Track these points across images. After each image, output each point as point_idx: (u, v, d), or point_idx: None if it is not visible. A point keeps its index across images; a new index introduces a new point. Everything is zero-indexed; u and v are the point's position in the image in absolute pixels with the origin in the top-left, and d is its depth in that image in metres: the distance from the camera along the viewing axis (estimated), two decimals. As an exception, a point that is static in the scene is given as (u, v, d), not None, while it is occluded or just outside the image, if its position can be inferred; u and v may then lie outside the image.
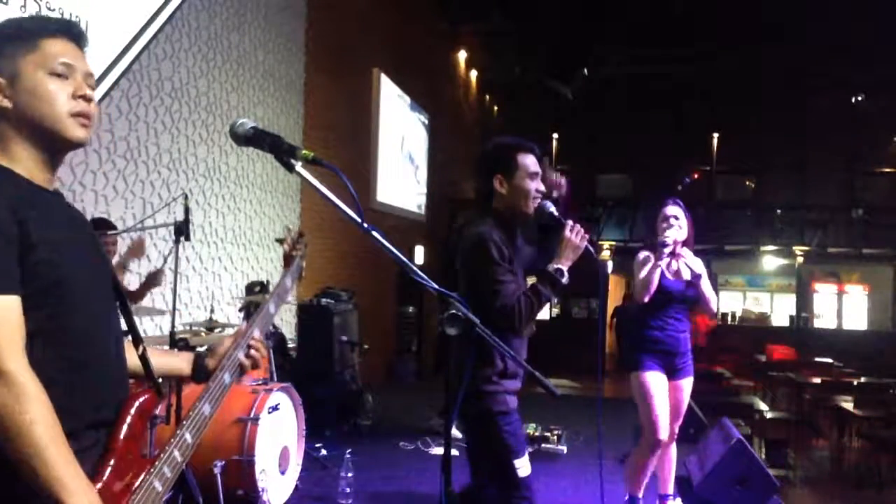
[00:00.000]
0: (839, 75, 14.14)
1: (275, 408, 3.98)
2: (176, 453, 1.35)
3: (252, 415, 3.75)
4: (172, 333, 3.51)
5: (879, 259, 15.61)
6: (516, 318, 2.44)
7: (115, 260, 4.22)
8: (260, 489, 3.72)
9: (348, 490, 4.20)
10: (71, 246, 1.31)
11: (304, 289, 7.27)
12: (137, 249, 4.10)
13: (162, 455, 1.33)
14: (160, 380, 1.55)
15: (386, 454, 5.50)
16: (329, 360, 6.24)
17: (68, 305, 1.27)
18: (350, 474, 4.23)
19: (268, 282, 6.04)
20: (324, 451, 5.07)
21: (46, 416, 1.14)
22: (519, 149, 2.61)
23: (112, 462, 1.28)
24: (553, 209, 2.60)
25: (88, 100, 1.33)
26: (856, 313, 16.89)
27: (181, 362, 1.61)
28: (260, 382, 4.26)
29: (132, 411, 1.36)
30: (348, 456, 4.28)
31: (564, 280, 2.52)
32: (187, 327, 4.47)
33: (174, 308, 3.51)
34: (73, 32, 1.36)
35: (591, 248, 2.56)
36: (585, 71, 13.37)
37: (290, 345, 6.40)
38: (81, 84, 1.33)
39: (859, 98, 15.72)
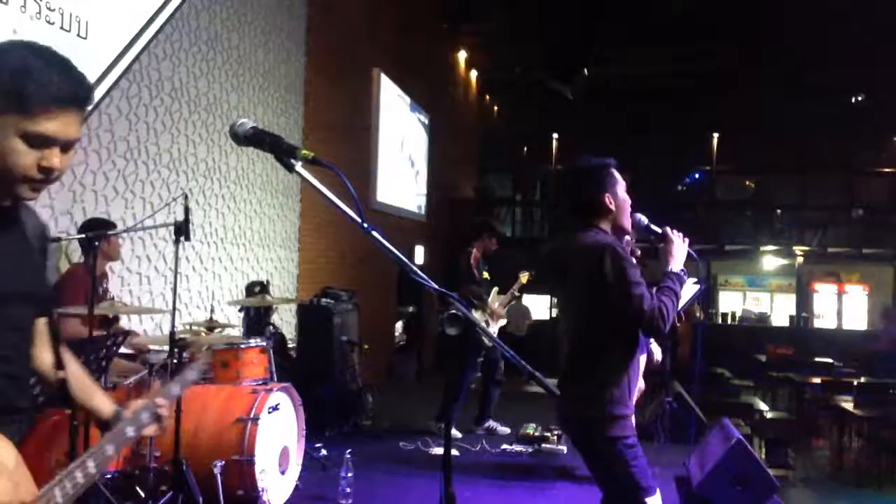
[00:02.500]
0: (839, 75, 14.13)
1: (275, 408, 3.98)
2: (77, 474, 1.34)
3: (252, 415, 3.75)
4: (172, 333, 3.51)
5: (879, 259, 15.60)
6: (664, 319, 2.36)
7: (109, 264, 4.21)
8: (260, 489, 3.72)
9: (348, 490, 4.20)
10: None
11: (304, 289, 7.27)
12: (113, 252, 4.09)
13: (66, 471, 1.33)
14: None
15: (386, 454, 5.50)
16: (329, 360, 6.23)
17: None
18: (350, 474, 4.23)
19: (268, 282, 6.05)
20: (324, 451, 5.07)
21: None
22: (610, 165, 2.63)
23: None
24: (647, 221, 2.66)
25: (51, 171, 1.30)
26: (856, 313, 16.88)
27: (100, 402, 1.59)
28: (260, 382, 4.26)
29: (47, 427, 1.36)
30: (348, 456, 4.28)
31: (686, 278, 2.57)
32: (187, 327, 4.47)
33: (174, 308, 3.50)
34: (80, 100, 1.31)
35: (693, 252, 2.63)
36: (585, 71, 13.37)
37: (291, 345, 6.41)
38: (51, 155, 1.29)
39: (859, 98, 15.72)
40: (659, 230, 2.63)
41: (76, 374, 1.58)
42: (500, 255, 6.55)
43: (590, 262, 2.42)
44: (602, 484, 2.48)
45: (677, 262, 2.55)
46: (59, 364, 1.48)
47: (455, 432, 5.98)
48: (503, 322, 6.53)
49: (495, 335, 5.76)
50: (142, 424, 1.55)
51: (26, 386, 1.43)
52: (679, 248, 2.58)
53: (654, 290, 2.45)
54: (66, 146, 1.32)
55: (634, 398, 2.51)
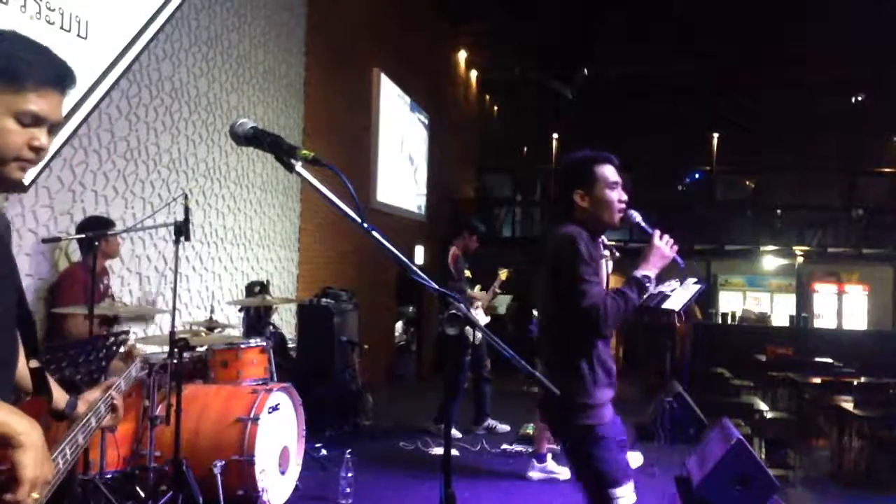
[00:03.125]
0: (839, 75, 14.13)
1: (275, 408, 3.98)
2: (59, 461, 1.35)
3: (252, 415, 3.75)
4: (172, 333, 3.51)
5: (879, 259, 15.59)
6: (601, 320, 2.35)
7: (108, 262, 4.21)
8: (260, 489, 3.72)
9: (348, 490, 4.20)
10: None
11: (304, 289, 7.27)
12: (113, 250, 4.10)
13: (57, 448, 1.36)
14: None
15: (386, 454, 5.50)
16: (329, 360, 6.24)
17: None
18: (350, 474, 4.23)
19: (268, 282, 6.04)
20: (324, 451, 5.08)
21: None
22: (596, 160, 2.61)
23: None
24: (639, 219, 2.61)
25: (39, 150, 1.33)
26: (856, 313, 16.89)
27: (57, 396, 1.60)
28: (260, 382, 4.26)
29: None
30: (348, 456, 4.29)
31: (650, 287, 2.49)
32: (187, 327, 4.47)
33: (174, 308, 3.51)
34: (65, 83, 1.36)
35: (679, 259, 2.56)
36: (585, 71, 13.37)
37: (290, 345, 6.40)
38: (39, 135, 1.32)
39: (859, 98, 15.72)
40: (649, 231, 2.57)
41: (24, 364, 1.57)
42: (499, 256, 6.58)
43: (551, 253, 2.51)
44: (575, 471, 2.52)
45: (648, 268, 2.49)
46: (33, 353, 1.49)
47: (454, 432, 5.98)
48: (487, 319, 6.62)
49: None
50: (101, 416, 1.62)
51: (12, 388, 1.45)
52: (656, 256, 2.51)
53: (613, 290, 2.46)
54: (52, 128, 1.35)
55: (607, 388, 2.49)
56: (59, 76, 1.35)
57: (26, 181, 1.38)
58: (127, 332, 3.90)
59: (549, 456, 4.98)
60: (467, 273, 6.26)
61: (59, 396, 1.60)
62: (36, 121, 1.31)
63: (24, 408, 1.34)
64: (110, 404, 1.67)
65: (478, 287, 6.37)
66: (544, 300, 2.62)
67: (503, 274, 6.50)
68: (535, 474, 5.00)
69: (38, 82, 1.31)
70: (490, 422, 6.27)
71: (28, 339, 1.48)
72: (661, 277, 3.73)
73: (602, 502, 2.38)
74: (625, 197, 2.60)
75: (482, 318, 6.37)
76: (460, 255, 6.23)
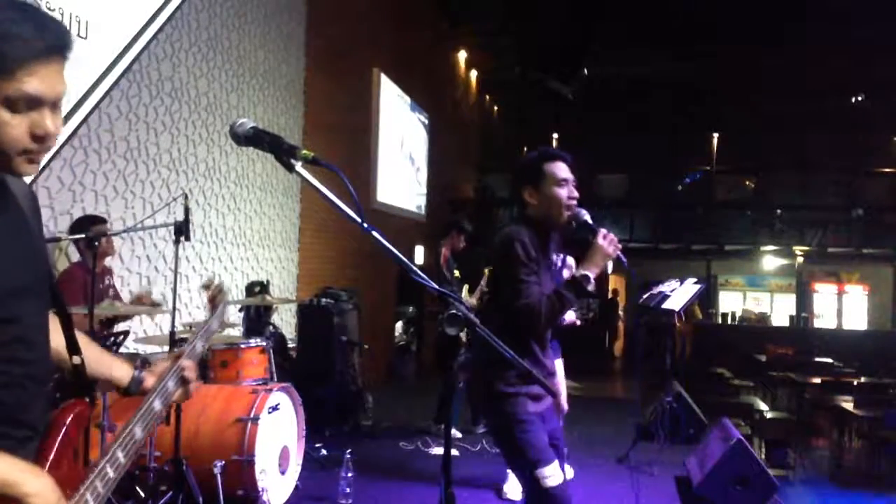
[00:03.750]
0: (839, 75, 14.13)
1: (275, 408, 3.98)
2: (108, 469, 1.27)
3: (252, 415, 3.75)
4: (172, 333, 3.51)
5: (879, 259, 15.60)
6: (535, 319, 2.41)
7: (107, 261, 4.21)
8: (260, 489, 3.72)
9: (348, 490, 4.20)
10: None
11: (304, 289, 7.27)
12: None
13: (95, 468, 1.25)
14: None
15: (386, 454, 5.50)
16: (329, 360, 6.23)
17: None
18: (350, 474, 4.23)
19: (268, 282, 6.05)
20: (324, 451, 5.07)
21: None
22: (544, 158, 2.64)
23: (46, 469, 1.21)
24: (587, 217, 2.61)
25: (46, 137, 1.16)
26: (856, 313, 16.89)
27: (119, 371, 1.53)
28: (260, 382, 4.26)
29: (68, 420, 1.28)
30: (348, 456, 4.28)
31: (590, 287, 2.48)
32: (187, 327, 4.47)
33: (174, 308, 3.51)
34: (61, 50, 1.16)
35: (623, 258, 2.56)
36: (585, 71, 13.37)
37: (291, 345, 6.40)
38: (42, 119, 1.15)
39: (859, 98, 15.72)
40: (595, 229, 2.55)
41: (88, 350, 1.46)
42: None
43: (496, 250, 2.58)
44: (504, 457, 2.61)
45: (589, 267, 2.48)
46: (74, 349, 1.38)
47: (455, 432, 5.99)
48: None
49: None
50: (169, 393, 1.50)
51: (45, 389, 1.32)
52: (598, 255, 2.50)
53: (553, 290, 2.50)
54: (57, 104, 1.18)
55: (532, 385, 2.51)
56: (50, 46, 1.13)
57: (35, 173, 1.26)
58: (127, 333, 3.91)
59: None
60: (456, 273, 6.25)
61: (123, 374, 1.53)
62: (33, 103, 1.13)
63: (65, 411, 1.28)
64: (180, 377, 1.53)
65: (466, 287, 6.35)
66: (493, 295, 2.77)
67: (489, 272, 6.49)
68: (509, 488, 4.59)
69: (29, 58, 1.10)
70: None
71: (68, 333, 1.38)
72: (662, 278, 3.72)
73: (527, 484, 2.44)
74: (575, 194, 2.61)
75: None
76: (450, 255, 6.22)
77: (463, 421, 6.27)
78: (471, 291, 6.34)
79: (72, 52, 1.18)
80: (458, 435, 5.98)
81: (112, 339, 3.70)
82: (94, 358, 1.47)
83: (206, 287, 1.86)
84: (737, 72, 14.51)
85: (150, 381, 1.53)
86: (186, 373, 1.55)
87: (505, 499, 4.55)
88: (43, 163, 1.29)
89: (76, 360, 1.38)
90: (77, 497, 1.19)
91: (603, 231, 2.54)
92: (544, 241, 2.58)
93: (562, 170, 2.61)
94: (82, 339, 1.45)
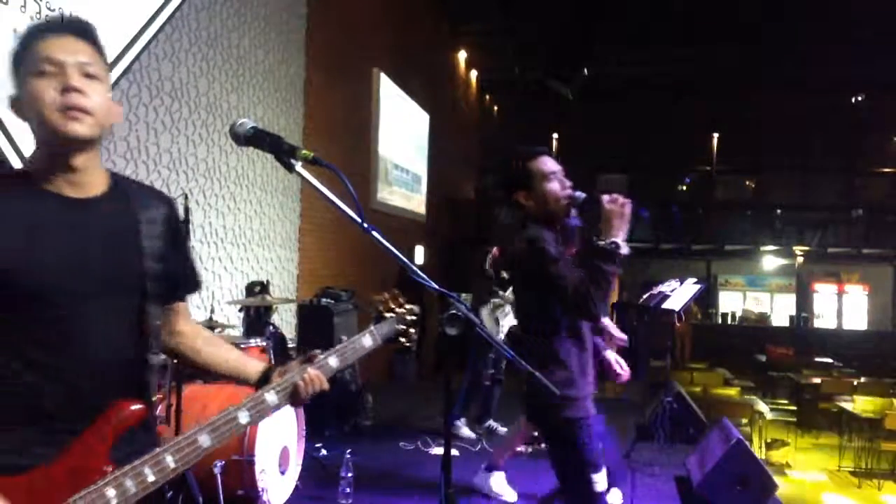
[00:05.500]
0: (839, 75, 14.13)
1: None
2: (147, 470, 1.30)
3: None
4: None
5: (879, 259, 15.61)
6: (590, 303, 2.35)
7: None
8: (260, 489, 3.72)
9: (348, 490, 4.20)
10: (52, 259, 1.31)
11: (304, 289, 7.27)
12: None
13: (126, 466, 1.29)
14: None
15: (386, 454, 5.50)
16: (329, 360, 6.22)
17: (32, 318, 1.30)
18: (350, 474, 4.23)
19: (268, 282, 6.04)
20: (324, 451, 5.07)
21: None
22: (528, 157, 2.60)
23: (62, 458, 1.29)
24: (583, 195, 2.59)
25: (75, 90, 1.31)
26: (856, 313, 16.90)
27: (251, 369, 1.62)
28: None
29: (107, 415, 1.34)
30: (348, 456, 4.28)
31: (624, 251, 2.39)
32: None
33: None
34: (65, 26, 1.36)
35: (644, 213, 2.56)
36: (585, 71, 13.36)
37: (291, 345, 6.40)
38: (68, 76, 1.31)
39: (859, 98, 15.72)
40: (597, 199, 2.50)
41: (220, 348, 1.63)
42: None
43: (519, 260, 2.56)
44: (554, 463, 2.58)
45: (612, 233, 2.39)
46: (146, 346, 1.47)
47: (469, 433, 5.99)
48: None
49: (506, 331, 5.77)
50: (265, 407, 1.51)
51: (121, 375, 1.41)
52: (615, 218, 2.40)
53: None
54: (83, 70, 1.33)
55: (589, 381, 2.56)
56: (60, 24, 1.37)
57: (87, 133, 1.33)
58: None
59: (503, 474, 4.58)
60: (504, 275, 6.26)
61: (252, 371, 1.61)
62: (54, 65, 1.31)
63: (114, 412, 1.34)
64: (289, 391, 1.53)
65: (511, 289, 6.35)
66: (520, 303, 2.72)
67: None
68: (479, 482, 4.56)
69: (43, 36, 1.34)
70: (491, 423, 6.26)
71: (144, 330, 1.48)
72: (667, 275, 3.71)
73: (579, 487, 2.44)
74: (567, 182, 2.60)
75: (510, 320, 6.35)
76: (499, 257, 6.24)
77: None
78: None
79: (86, 30, 1.38)
80: (473, 436, 5.97)
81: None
82: (225, 356, 1.63)
83: (391, 300, 1.80)
84: (737, 72, 14.51)
85: (276, 380, 1.57)
86: (300, 388, 1.55)
87: (497, 499, 4.55)
88: (89, 129, 1.34)
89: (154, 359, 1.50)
90: (94, 489, 1.24)
91: (606, 196, 2.47)
92: (556, 236, 2.56)
93: (547, 164, 2.59)
94: (214, 338, 1.67)
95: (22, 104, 1.34)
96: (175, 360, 1.88)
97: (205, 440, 1.39)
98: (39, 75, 1.31)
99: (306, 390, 1.56)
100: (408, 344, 1.74)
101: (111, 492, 1.25)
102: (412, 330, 1.77)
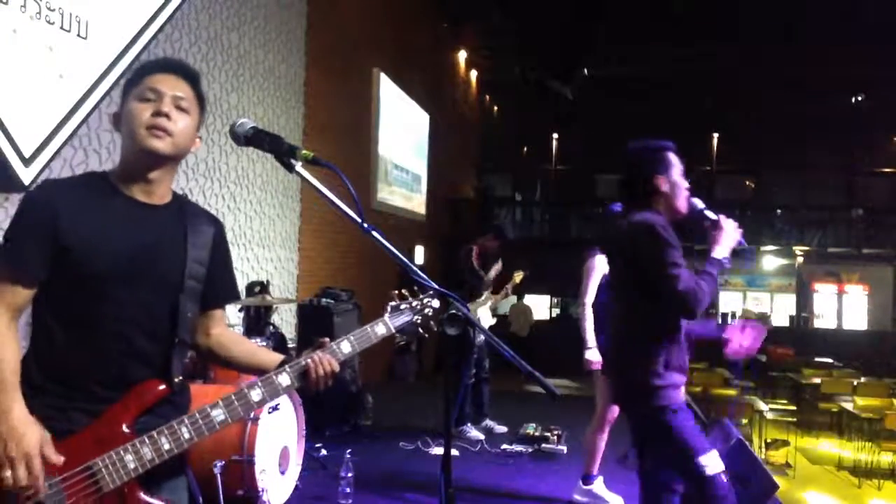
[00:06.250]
0: (839, 75, 14.13)
1: (275, 408, 3.98)
2: (163, 439, 1.53)
3: (252, 415, 3.75)
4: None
5: (879, 259, 15.61)
6: (697, 302, 2.40)
7: None
8: (260, 489, 3.72)
9: (348, 490, 4.20)
10: (117, 249, 1.55)
11: (304, 289, 7.27)
12: None
13: (145, 436, 1.51)
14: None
15: (386, 454, 5.50)
16: (329, 360, 6.21)
17: (92, 295, 1.54)
18: (350, 474, 4.23)
19: (268, 282, 6.04)
20: (324, 451, 5.07)
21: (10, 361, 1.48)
22: (667, 147, 2.69)
23: (92, 425, 1.51)
24: (703, 205, 2.68)
25: (164, 115, 1.56)
26: (856, 313, 16.89)
27: (268, 359, 1.78)
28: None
29: (133, 391, 1.57)
30: (348, 456, 4.28)
31: (728, 265, 2.59)
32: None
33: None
34: (173, 67, 1.64)
35: (742, 241, 2.66)
36: (585, 71, 13.37)
37: (290, 345, 6.40)
38: (163, 104, 1.57)
39: (859, 98, 15.72)
40: (714, 217, 2.65)
41: (240, 343, 1.86)
42: (502, 258, 6.56)
43: (631, 240, 2.54)
44: (655, 451, 2.61)
45: (722, 249, 2.57)
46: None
47: (477, 434, 5.98)
48: (493, 321, 6.62)
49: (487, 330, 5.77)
50: (275, 387, 1.66)
51: (151, 362, 1.61)
52: (728, 237, 2.59)
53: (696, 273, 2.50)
54: (177, 102, 1.59)
55: (679, 373, 2.56)
56: (165, 65, 1.65)
57: (164, 150, 1.58)
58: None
59: (601, 479, 4.45)
60: (492, 273, 6.27)
61: (270, 362, 1.74)
62: (152, 93, 1.58)
63: (140, 388, 1.58)
64: (299, 373, 1.67)
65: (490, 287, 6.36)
66: (619, 288, 2.69)
67: (518, 277, 6.48)
68: (579, 497, 4.43)
69: (151, 72, 1.62)
70: (488, 422, 6.26)
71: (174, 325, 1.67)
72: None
73: (691, 473, 2.44)
74: (686, 184, 2.68)
75: (487, 319, 6.36)
76: (480, 255, 6.25)
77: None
78: (494, 293, 6.33)
79: (189, 73, 1.67)
80: (481, 436, 5.96)
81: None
82: (248, 351, 1.84)
83: (409, 293, 1.90)
84: (737, 72, 14.52)
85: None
86: (310, 369, 1.68)
87: None
88: (167, 147, 1.59)
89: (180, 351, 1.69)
90: (114, 453, 1.48)
91: (722, 216, 2.63)
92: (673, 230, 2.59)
93: (679, 160, 2.68)
94: (240, 339, 1.90)
95: (121, 119, 1.60)
96: (205, 358, 2.25)
97: (218, 414, 1.60)
98: (141, 100, 1.58)
99: (316, 371, 1.68)
100: (426, 335, 1.80)
101: (129, 457, 1.49)
102: (431, 322, 1.86)
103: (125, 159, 1.63)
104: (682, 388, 2.56)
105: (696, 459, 2.41)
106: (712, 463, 2.42)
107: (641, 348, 2.52)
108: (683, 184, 2.65)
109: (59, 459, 1.44)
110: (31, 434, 1.42)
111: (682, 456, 2.45)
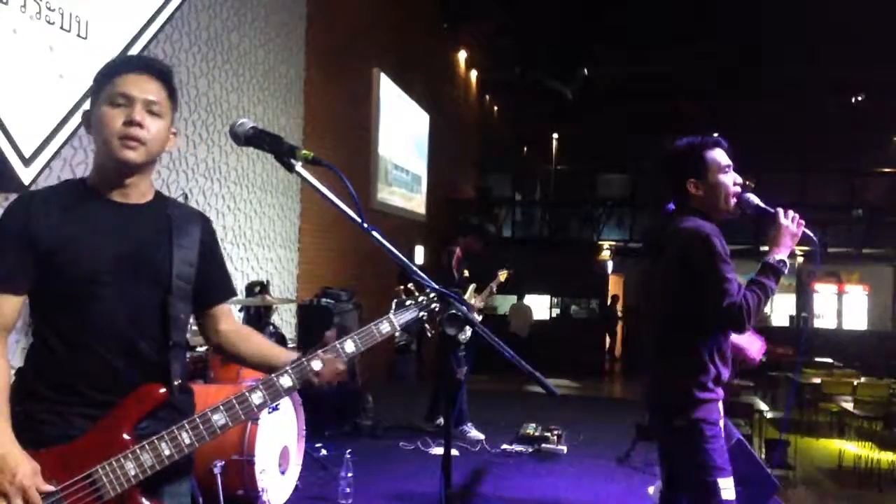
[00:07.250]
0: (839, 75, 14.13)
1: (275, 408, 3.98)
2: (163, 445, 1.50)
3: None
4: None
5: (879, 259, 15.61)
6: (746, 317, 2.27)
7: None
8: (260, 489, 3.72)
9: (348, 490, 4.20)
10: (100, 249, 1.55)
11: (304, 289, 7.27)
12: None
13: (145, 442, 1.50)
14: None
15: (386, 454, 5.50)
16: (329, 360, 6.21)
17: (81, 298, 1.53)
18: (350, 474, 4.23)
19: (268, 282, 6.04)
20: (324, 451, 5.07)
21: None
22: (705, 146, 2.52)
23: (92, 431, 1.50)
24: (758, 200, 2.50)
25: (137, 124, 1.54)
26: (856, 313, 16.89)
27: (282, 360, 1.71)
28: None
29: (132, 396, 1.55)
30: (348, 456, 4.28)
31: (786, 270, 2.39)
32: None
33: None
34: (144, 66, 1.61)
35: (810, 234, 2.44)
36: (585, 71, 13.38)
37: (291, 345, 6.40)
38: (134, 111, 1.55)
39: (859, 98, 15.72)
40: (770, 211, 2.46)
41: (253, 340, 1.82)
42: (497, 256, 6.56)
43: (681, 248, 2.40)
44: (677, 464, 2.49)
45: (780, 251, 2.38)
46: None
47: (478, 434, 5.98)
48: (478, 318, 6.58)
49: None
50: (277, 389, 1.62)
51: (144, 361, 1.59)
52: (786, 235, 2.39)
53: (746, 283, 2.37)
54: (148, 107, 1.57)
55: (721, 386, 2.44)
56: (138, 64, 1.62)
57: (137, 160, 1.58)
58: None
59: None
60: (465, 273, 6.26)
61: (283, 360, 1.69)
62: (124, 98, 1.55)
63: (139, 393, 1.55)
64: (300, 373, 1.63)
65: (472, 286, 6.35)
66: (662, 295, 2.50)
67: (502, 275, 6.48)
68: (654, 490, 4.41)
69: (122, 72, 1.58)
70: (464, 427, 6.15)
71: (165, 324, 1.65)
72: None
73: (704, 489, 2.35)
74: (739, 180, 2.52)
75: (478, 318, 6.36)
76: (463, 256, 6.22)
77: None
78: (477, 292, 6.32)
79: (161, 72, 1.62)
80: (481, 436, 5.94)
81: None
82: (257, 349, 1.81)
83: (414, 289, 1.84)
84: (737, 72, 14.51)
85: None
86: (313, 370, 1.64)
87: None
88: (141, 156, 1.59)
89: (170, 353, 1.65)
90: (114, 461, 1.47)
91: (781, 210, 2.43)
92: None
93: (723, 156, 2.51)
94: (252, 334, 1.85)
95: (92, 122, 1.59)
96: (221, 355, 2.26)
97: (219, 418, 1.56)
98: (112, 105, 1.55)
99: (320, 376, 1.66)
100: (431, 332, 1.80)
101: (129, 464, 1.48)
102: (438, 318, 1.80)
103: (100, 165, 1.62)
104: (716, 404, 2.42)
105: (715, 479, 2.32)
106: (729, 488, 2.34)
107: (694, 360, 2.37)
108: (727, 181, 2.47)
109: (49, 489, 1.44)
110: (24, 466, 1.42)
111: (702, 470, 2.34)
